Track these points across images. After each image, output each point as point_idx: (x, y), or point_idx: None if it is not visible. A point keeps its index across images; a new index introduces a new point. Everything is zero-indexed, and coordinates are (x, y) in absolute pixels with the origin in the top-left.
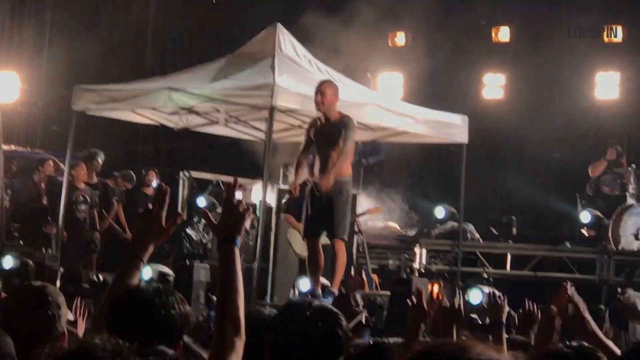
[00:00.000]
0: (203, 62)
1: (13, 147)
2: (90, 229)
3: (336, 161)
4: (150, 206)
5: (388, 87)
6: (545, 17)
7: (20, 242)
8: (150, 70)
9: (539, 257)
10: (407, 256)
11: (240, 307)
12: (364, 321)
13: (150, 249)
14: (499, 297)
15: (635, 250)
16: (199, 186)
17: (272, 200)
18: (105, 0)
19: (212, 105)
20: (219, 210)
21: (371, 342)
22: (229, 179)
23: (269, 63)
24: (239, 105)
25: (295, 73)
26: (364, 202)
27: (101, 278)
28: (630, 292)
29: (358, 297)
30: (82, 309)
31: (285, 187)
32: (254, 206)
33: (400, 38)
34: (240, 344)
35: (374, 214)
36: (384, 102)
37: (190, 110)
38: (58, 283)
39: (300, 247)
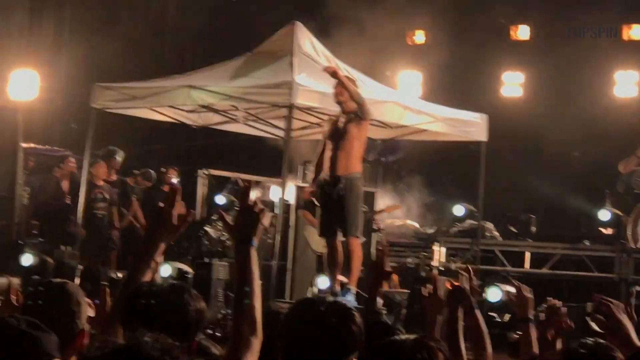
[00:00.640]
0: (222, 60)
1: (32, 145)
2: (109, 226)
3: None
4: (162, 204)
5: (407, 86)
6: (564, 16)
7: (40, 239)
8: (169, 68)
9: (558, 255)
10: (425, 254)
11: (257, 307)
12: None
13: (162, 247)
14: (526, 291)
15: None
16: (217, 184)
17: (291, 197)
18: None
19: (231, 103)
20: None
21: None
22: (248, 177)
23: (288, 61)
24: (258, 103)
25: (314, 71)
26: (383, 200)
27: (120, 275)
28: None
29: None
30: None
31: (305, 184)
32: (273, 204)
33: (419, 36)
34: (257, 343)
35: (393, 211)
36: (403, 101)
37: (209, 108)
38: (77, 280)
39: (316, 243)
